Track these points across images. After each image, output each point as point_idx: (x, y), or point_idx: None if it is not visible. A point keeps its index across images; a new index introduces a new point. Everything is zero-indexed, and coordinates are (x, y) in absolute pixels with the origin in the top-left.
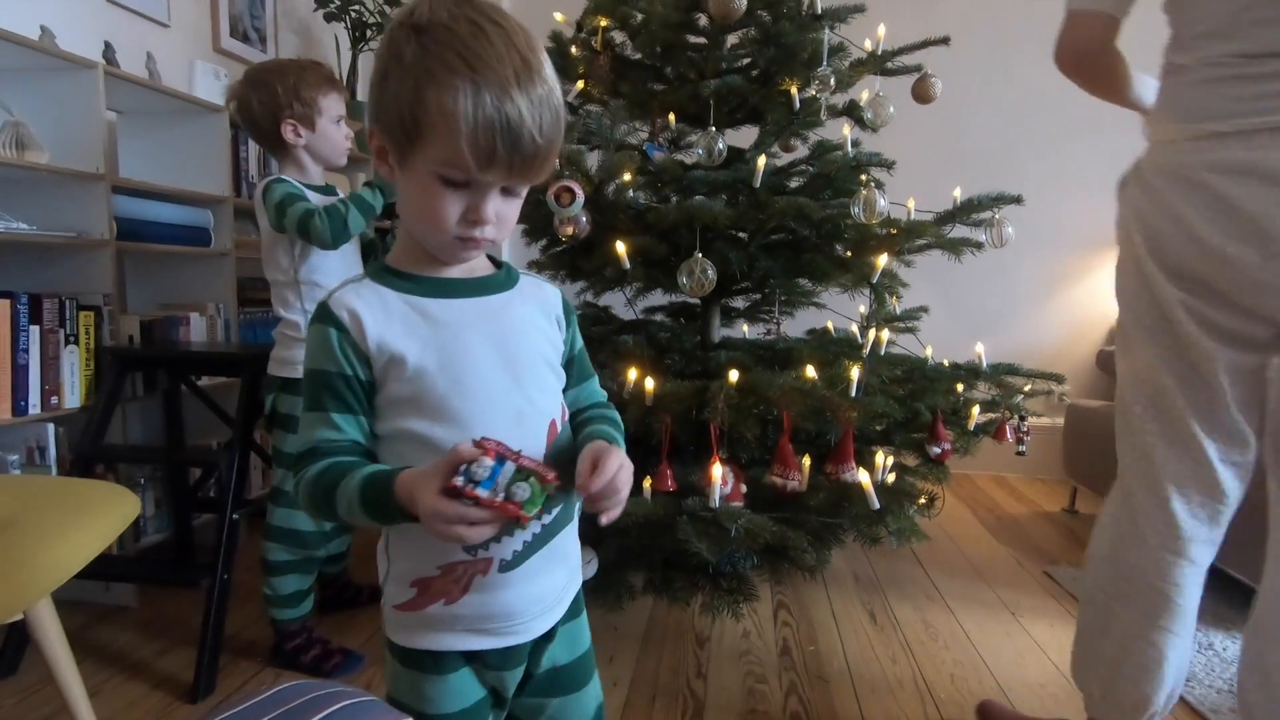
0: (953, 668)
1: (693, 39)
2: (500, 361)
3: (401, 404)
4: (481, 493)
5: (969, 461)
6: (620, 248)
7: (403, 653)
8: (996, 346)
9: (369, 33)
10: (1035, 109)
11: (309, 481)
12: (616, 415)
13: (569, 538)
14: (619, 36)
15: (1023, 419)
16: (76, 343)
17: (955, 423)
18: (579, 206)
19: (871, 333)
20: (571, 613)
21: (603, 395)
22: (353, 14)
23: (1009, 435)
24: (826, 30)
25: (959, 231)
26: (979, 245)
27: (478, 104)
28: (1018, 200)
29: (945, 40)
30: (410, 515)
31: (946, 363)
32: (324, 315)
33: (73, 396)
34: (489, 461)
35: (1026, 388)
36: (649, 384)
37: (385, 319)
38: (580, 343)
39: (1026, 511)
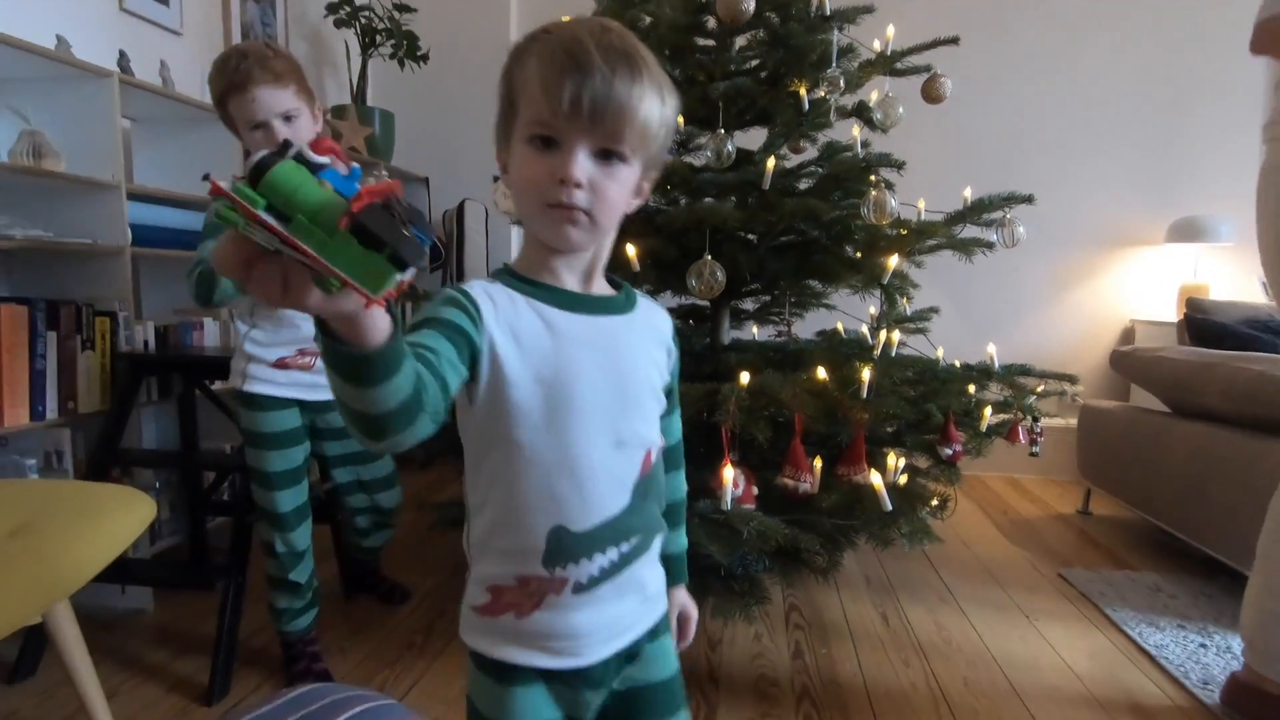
0: (966, 670)
1: (701, 41)
2: (609, 384)
3: (506, 409)
4: (262, 215)
5: (981, 463)
6: (630, 250)
7: (477, 657)
8: (1008, 347)
9: (378, 38)
10: (1045, 108)
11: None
12: (682, 480)
13: (646, 565)
14: None
15: (1036, 420)
16: (93, 348)
17: (967, 424)
18: None
19: (882, 334)
20: (654, 633)
21: (679, 432)
22: (362, 20)
23: (1022, 437)
24: (835, 31)
25: (970, 231)
26: (990, 245)
27: (550, 50)
28: (1029, 200)
29: (954, 40)
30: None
31: (958, 364)
32: (457, 291)
33: (89, 401)
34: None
35: (1039, 388)
36: None
37: (506, 312)
38: (678, 372)
39: (1040, 513)
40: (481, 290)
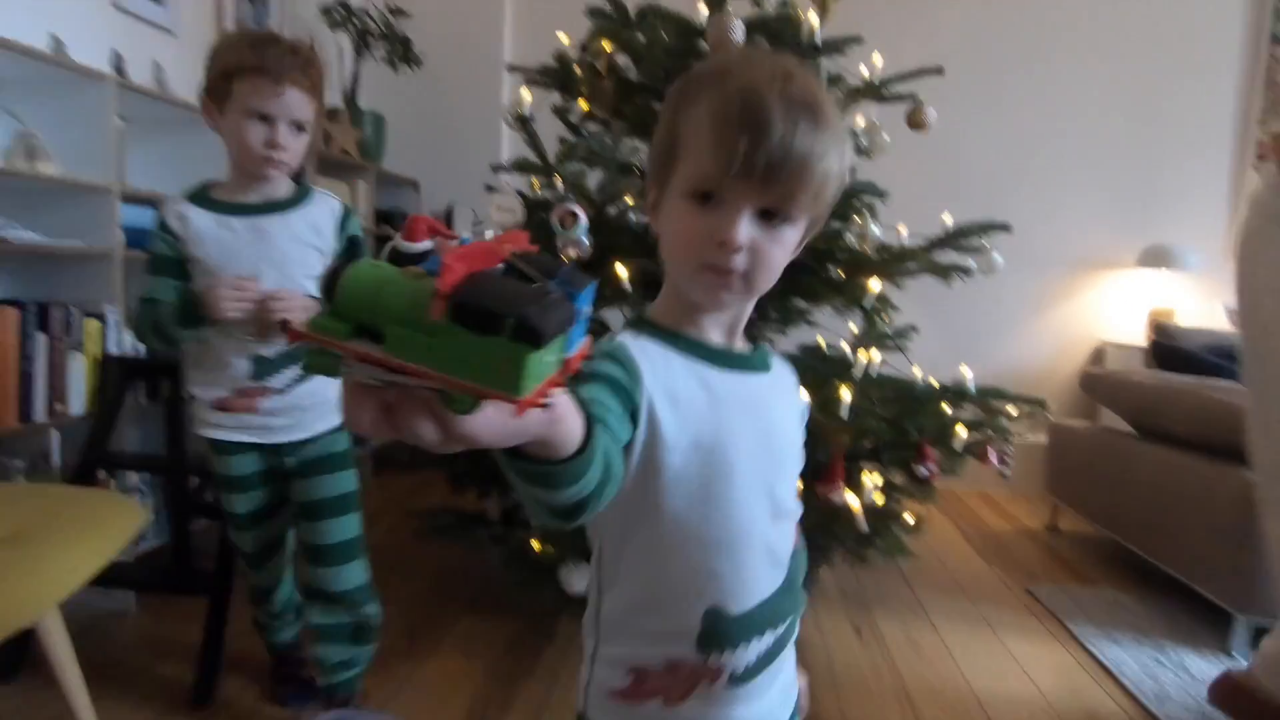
0: (935, 682)
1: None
2: (763, 449)
3: (661, 477)
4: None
5: (956, 478)
6: (620, 270)
7: None
8: (984, 365)
9: (372, 41)
10: (1024, 137)
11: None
12: (800, 533)
13: (791, 651)
14: (622, 59)
15: (1007, 441)
16: (82, 351)
17: (941, 442)
18: (583, 230)
19: (862, 353)
20: None
21: (799, 547)
22: (356, 23)
23: (993, 458)
24: (823, 59)
25: (949, 257)
26: (968, 271)
27: (725, 102)
28: (1005, 228)
29: (939, 70)
30: None
31: (935, 383)
32: (613, 346)
33: (77, 404)
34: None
35: (1012, 410)
36: None
37: (669, 379)
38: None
39: (1010, 529)
40: (635, 345)
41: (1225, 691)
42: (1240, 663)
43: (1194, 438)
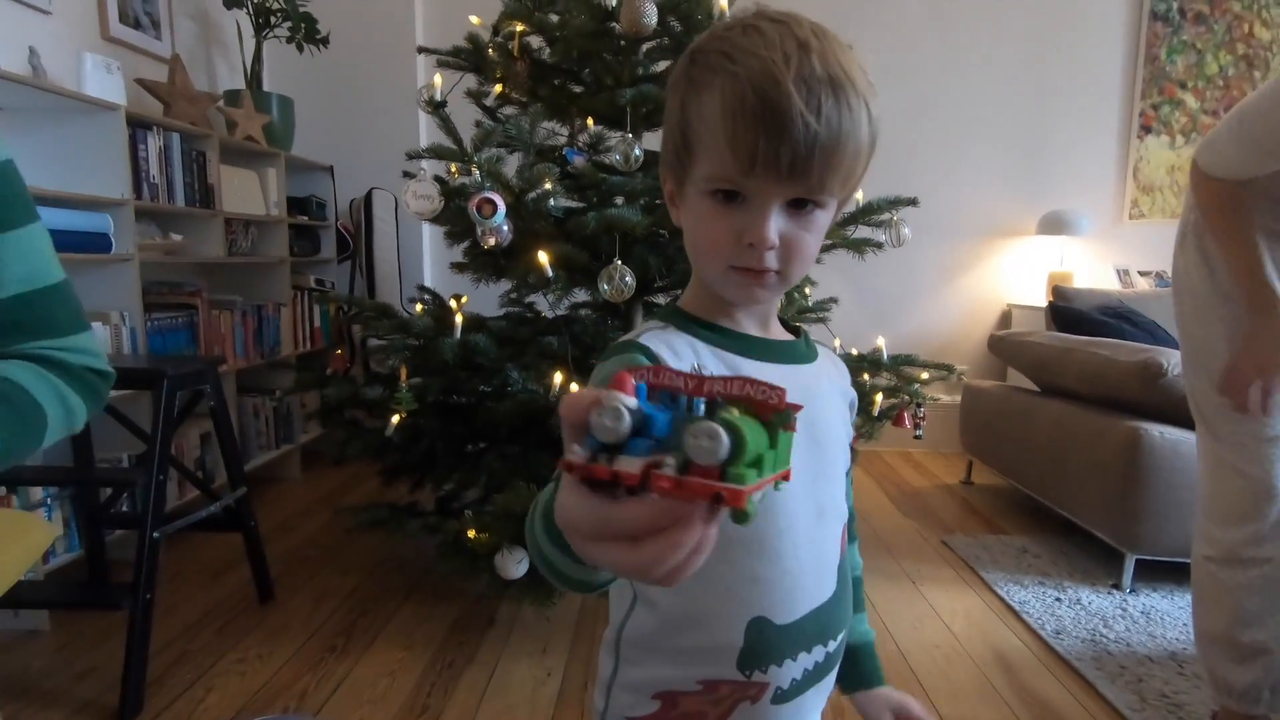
0: None
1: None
2: (808, 445)
3: None
4: (628, 465)
5: (877, 440)
6: (542, 257)
7: None
8: (903, 330)
9: (273, 20)
10: (929, 113)
11: (533, 509)
12: (855, 545)
13: (837, 668)
14: (536, 41)
15: (919, 406)
16: None
17: (861, 409)
18: (501, 218)
19: None
20: None
21: (853, 512)
22: (254, 0)
23: (907, 422)
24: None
25: (862, 231)
26: (879, 246)
27: (737, 94)
28: (913, 202)
29: (848, 48)
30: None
31: (855, 351)
32: (631, 348)
33: None
34: (626, 401)
35: (924, 376)
36: (574, 387)
37: (699, 364)
38: (850, 460)
39: (928, 484)
40: (661, 343)
41: None
42: (1132, 597)
43: (1084, 392)
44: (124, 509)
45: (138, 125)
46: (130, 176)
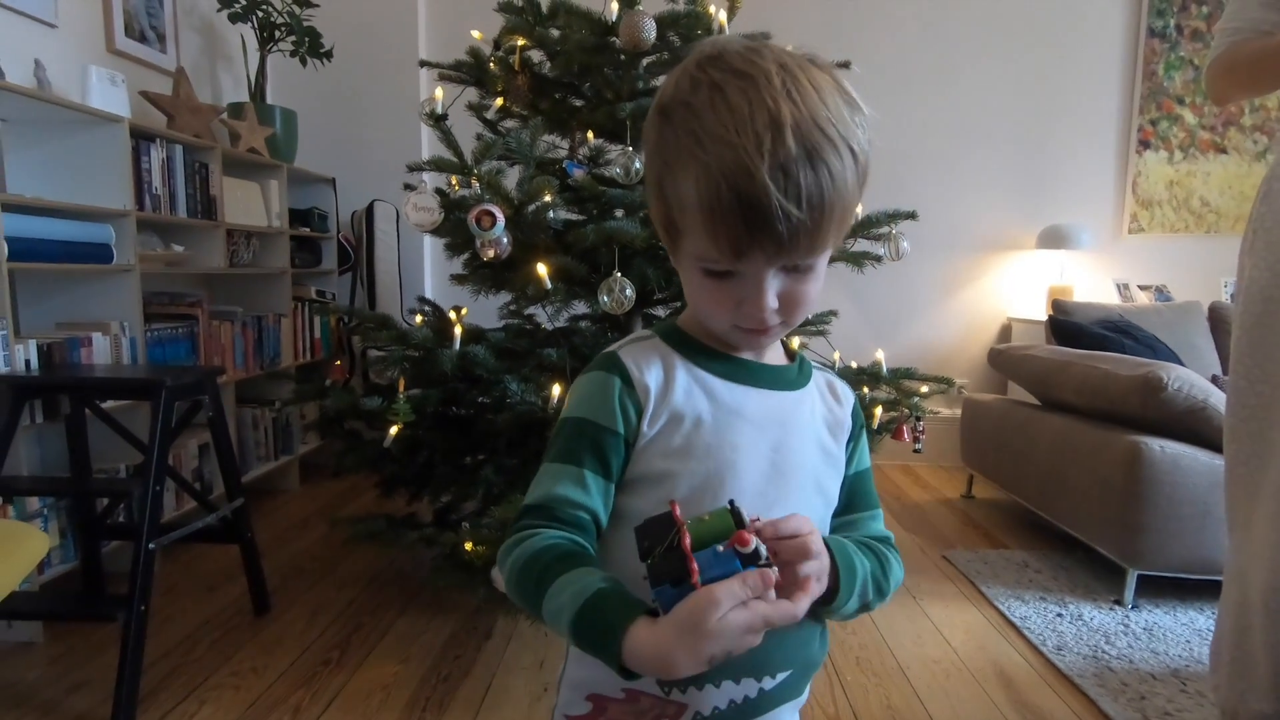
0: (859, 651)
1: (609, 60)
2: (767, 470)
3: (651, 482)
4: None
5: (876, 454)
6: (542, 270)
7: None
8: (902, 343)
9: (277, 34)
10: (929, 128)
11: (526, 552)
12: (896, 556)
13: (791, 714)
14: (537, 56)
15: (918, 419)
16: None
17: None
18: (500, 230)
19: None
20: None
21: (886, 535)
22: (260, 14)
23: (906, 435)
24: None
25: (861, 245)
26: (878, 259)
27: (711, 189)
28: (912, 216)
29: (846, 64)
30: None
31: (854, 364)
32: (610, 363)
33: None
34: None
35: (923, 389)
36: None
37: (666, 383)
38: (866, 463)
39: (929, 498)
40: (632, 358)
41: None
42: (1134, 613)
43: (1085, 406)
44: (120, 519)
45: (141, 137)
46: (133, 188)
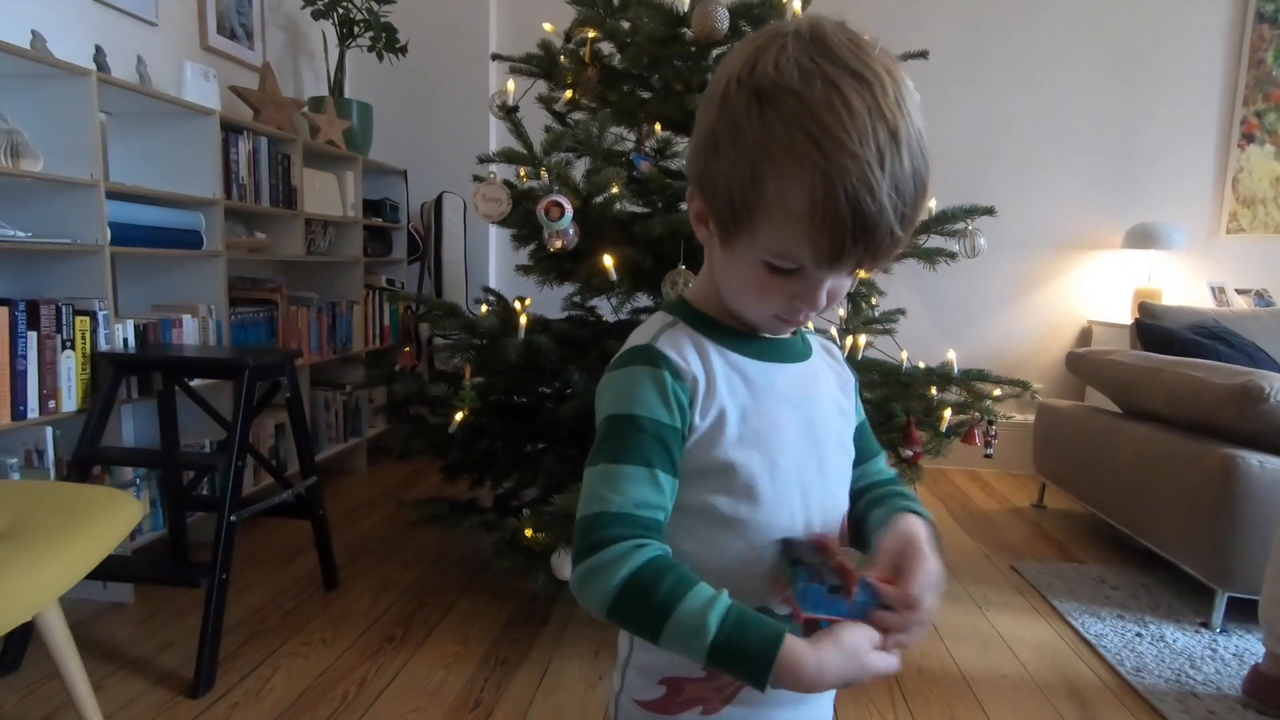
0: (920, 660)
1: (679, 51)
2: (807, 442)
3: (708, 475)
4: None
5: (944, 458)
6: (607, 261)
7: None
8: (973, 345)
9: (356, 30)
10: (1010, 120)
11: (629, 570)
12: (914, 494)
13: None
14: (607, 48)
15: (991, 423)
16: (73, 348)
17: (928, 424)
18: (568, 221)
19: (849, 339)
20: None
21: (892, 474)
22: (340, 11)
23: (977, 440)
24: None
25: (934, 241)
26: (953, 256)
27: (829, 200)
28: (990, 212)
29: (924, 54)
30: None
31: (922, 365)
32: (652, 357)
33: (69, 400)
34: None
35: (996, 392)
36: None
37: (708, 373)
38: (861, 413)
39: (997, 507)
40: (676, 354)
41: (1255, 684)
42: (1223, 638)
43: (1173, 416)
44: (204, 492)
45: (230, 129)
46: (221, 178)
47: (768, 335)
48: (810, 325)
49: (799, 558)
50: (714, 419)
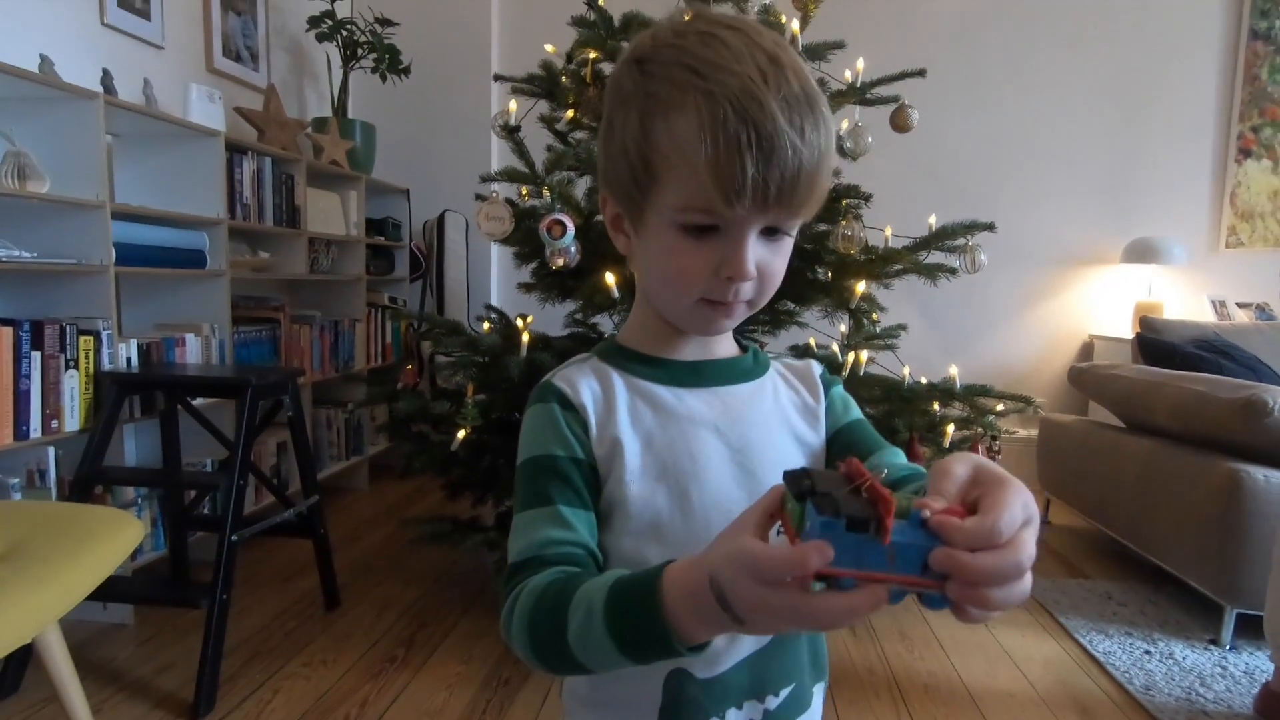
0: (926, 678)
1: None
2: (736, 473)
3: (614, 513)
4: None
5: None
6: (609, 279)
7: None
8: (975, 360)
9: (360, 52)
10: (1009, 135)
11: (530, 596)
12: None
13: None
14: (607, 68)
15: (994, 439)
16: (76, 367)
17: (931, 440)
18: (570, 239)
19: (850, 355)
20: None
21: (914, 467)
22: (344, 34)
23: (980, 455)
24: (808, 65)
25: (935, 256)
26: (953, 271)
27: (714, 114)
28: (990, 227)
29: (921, 72)
30: (676, 636)
31: (924, 380)
32: (546, 392)
33: (72, 420)
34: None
35: (999, 407)
36: None
37: (606, 401)
38: (856, 413)
39: None
40: (567, 380)
41: (1266, 702)
42: (1233, 655)
43: (1177, 430)
44: (205, 511)
45: (234, 150)
46: (226, 198)
47: (694, 359)
48: (813, 343)
49: (812, 486)
50: (609, 449)
